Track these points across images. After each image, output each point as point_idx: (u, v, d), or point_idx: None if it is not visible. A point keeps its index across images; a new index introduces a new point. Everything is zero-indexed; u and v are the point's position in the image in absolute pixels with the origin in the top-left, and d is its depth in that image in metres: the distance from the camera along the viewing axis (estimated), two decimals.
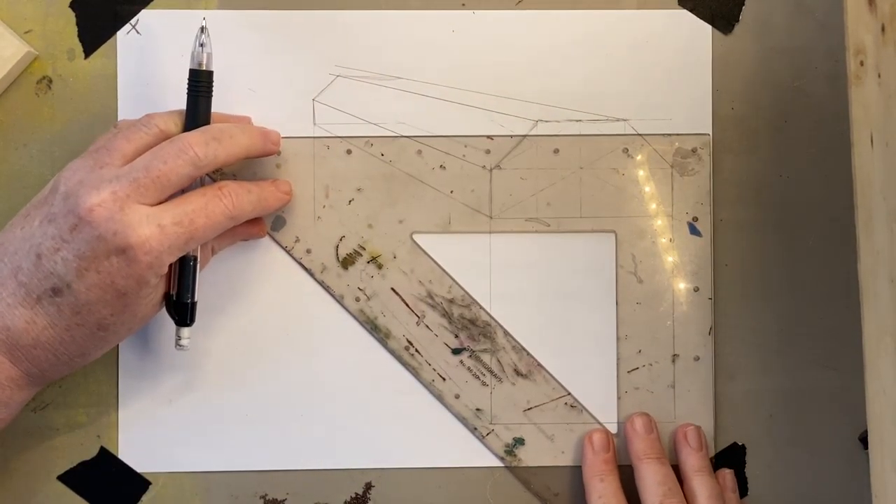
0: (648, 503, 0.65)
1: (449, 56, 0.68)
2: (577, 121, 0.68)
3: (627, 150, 0.68)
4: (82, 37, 0.68)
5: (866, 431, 0.59)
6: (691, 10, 0.69)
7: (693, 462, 0.67)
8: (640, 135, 0.68)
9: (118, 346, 0.67)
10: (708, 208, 0.68)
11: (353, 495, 0.68)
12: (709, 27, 0.69)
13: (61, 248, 0.58)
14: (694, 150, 0.68)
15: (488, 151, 0.68)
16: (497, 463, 0.68)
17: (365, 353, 0.68)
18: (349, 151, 0.68)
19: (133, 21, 0.67)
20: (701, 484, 0.66)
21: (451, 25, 0.68)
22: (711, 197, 0.68)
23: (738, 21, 0.69)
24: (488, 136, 0.68)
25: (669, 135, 0.68)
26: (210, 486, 0.68)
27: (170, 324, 0.67)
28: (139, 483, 0.68)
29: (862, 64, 0.58)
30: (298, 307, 0.68)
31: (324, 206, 0.68)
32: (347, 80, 0.68)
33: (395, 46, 0.68)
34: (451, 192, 0.68)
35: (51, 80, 0.68)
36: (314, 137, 0.68)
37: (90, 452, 0.68)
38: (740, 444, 0.69)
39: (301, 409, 0.68)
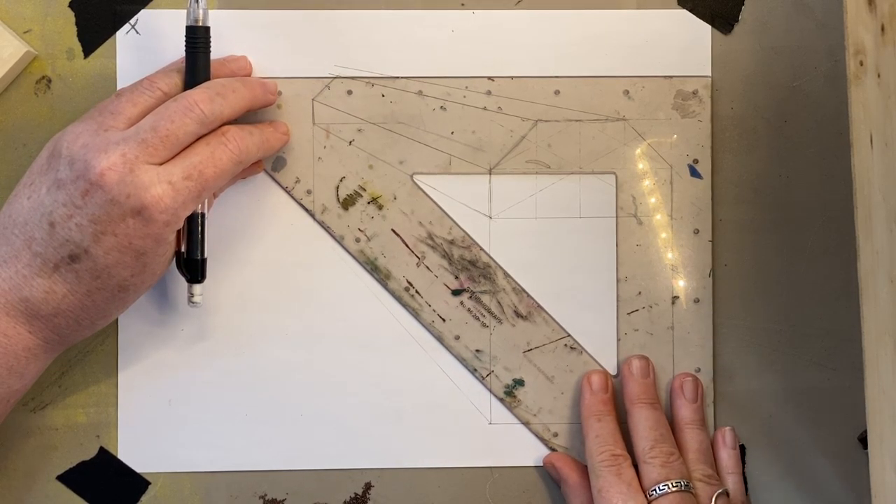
0: (640, 447, 0.65)
1: (449, 56, 0.68)
2: (577, 121, 0.68)
3: (628, 91, 0.68)
4: (81, 36, 0.68)
5: (866, 431, 0.59)
6: (691, 10, 0.69)
7: (685, 414, 0.67)
8: (639, 76, 0.68)
9: (117, 346, 0.67)
10: (708, 151, 0.69)
11: (353, 495, 0.68)
12: (708, 27, 0.69)
13: (74, 215, 0.58)
14: (695, 92, 0.68)
15: (489, 93, 0.68)
16: (496, 462, 0.68)
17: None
18: (350, 92, 0.68)
19: (132, 21, 0.67)
20: (692, 437, 0.66)
21: (451, 25, 0.68)
22: (711, 139, 0.69)
23: (737, 21, 0.69)
24: (489, 78, 0.68)
25: (670, 77, 0.68)
26: (210, 486, 0.68)
27: (169, 324, 0.67)
28: (139, 483, 0.68)
29: (862, 64, 0.58)
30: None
31: (324, 147, 0.68)
32: (347, 80, 0.68)
33: (395, 46, 0.68)
34: (452, 133, 0.68)
35: (50, 80, 0.67)
36: (315, 78, 0.68)
37: (90, 452, 0.68)
38: (740, 444, 0.69)
39: (301, 409, 0.68)
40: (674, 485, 0.63)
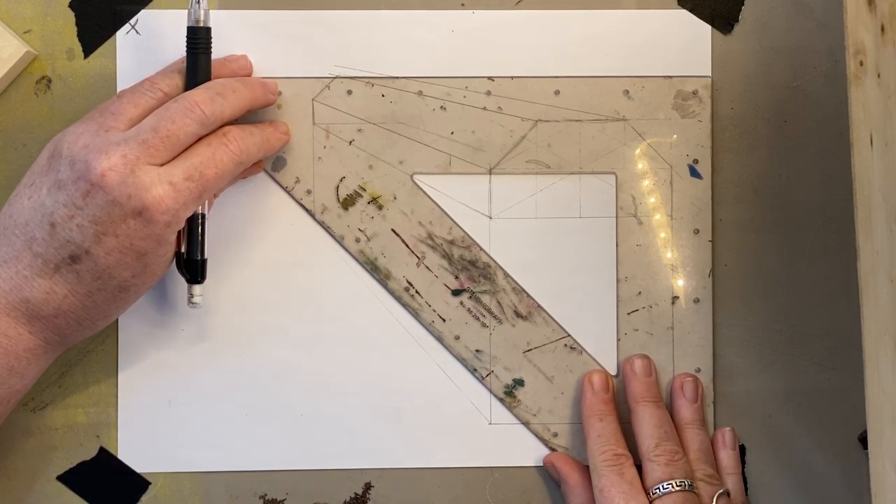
0: (645, 445, 0.65)
1: (449, 56, 0.68)
2: (577, 121, 0.68)
3: (628, 91, 0.68)
4: (82, 37, 0.68)
5: (866, 431, 0.59)
6: (691, 10, 0.69)
7: (686, 414, 0.67)
8: (639, 76, 0.68)
9: (117, 346, 0.67)
10: (708, 151, 0.69)
11: (353, 495, 0.68)
12: (708, 27, 0.69)
13: (75, 216, 0.58)
14: (695, 92, 0.68)
15: (489, 93, 0.68)
16: (496, 462, 0.68)
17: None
18: (350, 92, 0.68)
19: (132, 21, 0.67)
20: (692, 437, 0.66)
21: (451, 25, 0.68)
22: (711, 139, 0.69)
23: (737, 21, 0.69)
24: (489, 78, 0.68)
25: (670, 77, 0.68)
26: (210, 486, 0.68)
27: (169, 324, 0.67)
28: (139, 483, 0.68)
29: (861, 64, 0.58)
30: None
31: (324, 147, 0.68)
32: (347, 80, 0.68)
33: (395, 46, 0.68)
34: (452, 133, 0.68)
35: (50, 80, 0.67)
36: (315, 78, 0.68)
37: (90, 452, 0.68)
38: (740, 444, 0.69)
39: (301, 409, 0.68)
40: (677, 484, 0.63)
